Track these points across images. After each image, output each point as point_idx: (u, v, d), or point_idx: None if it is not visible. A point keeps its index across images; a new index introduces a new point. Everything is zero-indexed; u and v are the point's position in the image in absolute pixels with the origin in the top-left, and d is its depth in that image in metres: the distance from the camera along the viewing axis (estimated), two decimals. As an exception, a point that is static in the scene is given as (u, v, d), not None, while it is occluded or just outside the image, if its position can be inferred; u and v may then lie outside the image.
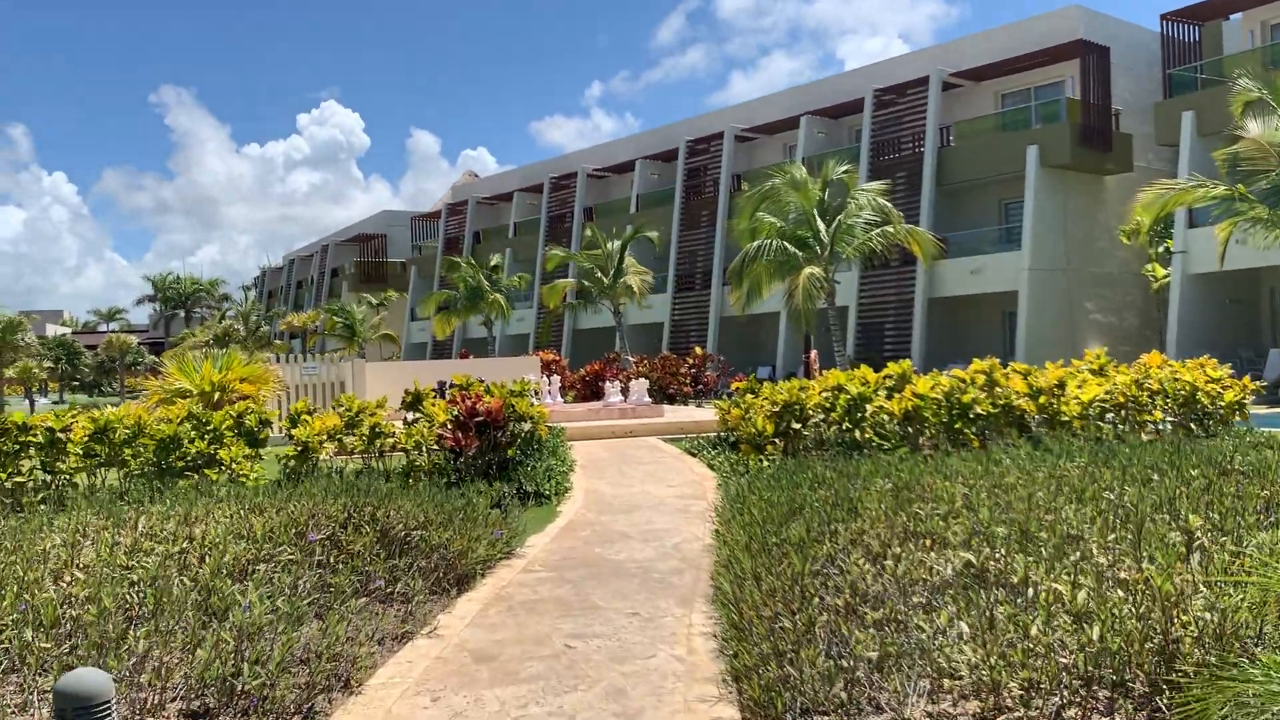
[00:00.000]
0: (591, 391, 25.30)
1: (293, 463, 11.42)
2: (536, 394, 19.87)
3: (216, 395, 14.68)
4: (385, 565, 6.72)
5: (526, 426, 11.30)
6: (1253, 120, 21.43)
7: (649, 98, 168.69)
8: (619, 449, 15.53)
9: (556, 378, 21.50)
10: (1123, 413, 12.84)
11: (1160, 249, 32.22)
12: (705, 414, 19.80)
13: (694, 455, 14.33)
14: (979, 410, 11.82)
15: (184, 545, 6.18)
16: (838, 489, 7.16)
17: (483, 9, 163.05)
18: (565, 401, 24.10)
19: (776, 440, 11.80)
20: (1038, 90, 34.29)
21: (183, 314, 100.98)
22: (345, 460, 12.20)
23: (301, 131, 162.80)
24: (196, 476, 11.09)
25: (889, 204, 27.57)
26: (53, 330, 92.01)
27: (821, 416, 12.02)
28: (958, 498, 6.57)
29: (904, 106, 36.04)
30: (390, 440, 11.71)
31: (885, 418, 11.84)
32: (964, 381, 12.66)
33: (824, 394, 12.34)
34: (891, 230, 27.09)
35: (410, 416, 12.50)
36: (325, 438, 11.71)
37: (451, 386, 13.15)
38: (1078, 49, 31.22)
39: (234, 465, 11.02)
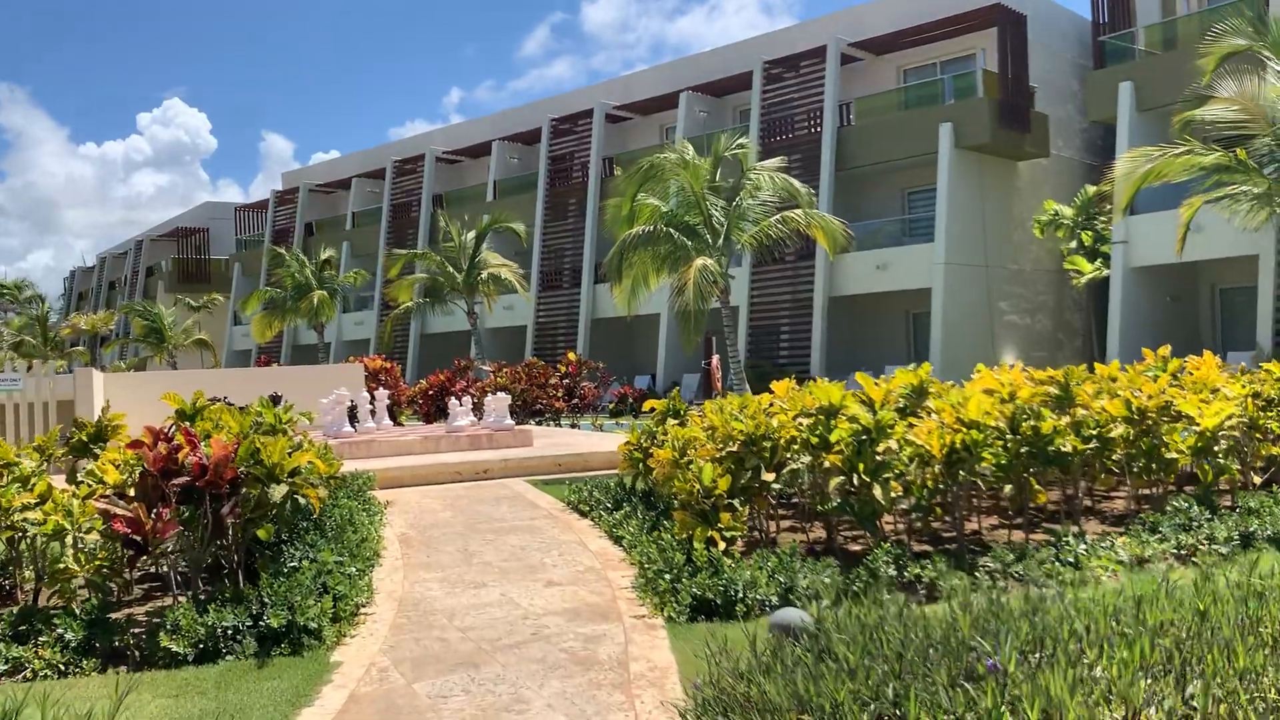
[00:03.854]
0: (437, 409, 19.87)
1: None
2: (353, 416, 14.43)
3: None
4: None
5: (280, 490, 5.96)
6: (1226, 81, 17.99)
7: (513, 106, 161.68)
8: (467, 503, 10.29)
9: (384, 391, 16.00)
10: (1234, 442, 8.43)
11: (1072, 244, 28.98)
12: (590, 440, 14.72)
13: (584, 514, 9.23)
14: (1062, 446, 7.16)
15: None
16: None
17: (339, 13, 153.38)
18: (400, 424, 18.60)
19: (735, 503, 6.84)
20: (945, 64, 30.68)
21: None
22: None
23: (142, 131, 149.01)
24: None
25: (796, 182, 23.24)
26: None
27: (807, 459, 7.11)
28: None
29: (798, 81, 31.86)
30: (24, 516, 6.15)
31: (909, 461, 7.03)
32: (1004, 399, 7.99)
33: (801, 420, 7.46)
34: (796, 215, 22.71)
35: (83, 470, 7.00)
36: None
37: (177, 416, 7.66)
38: (993, 15, 27.61)
39: None
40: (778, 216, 22.61)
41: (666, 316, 31.21)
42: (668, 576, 6.31)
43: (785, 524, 8.70)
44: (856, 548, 7.83)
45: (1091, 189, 27.87)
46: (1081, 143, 31.63)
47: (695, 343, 23.17)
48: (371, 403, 15.06)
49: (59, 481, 7.41)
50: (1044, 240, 29.67)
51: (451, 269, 31.12)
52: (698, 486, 6.75)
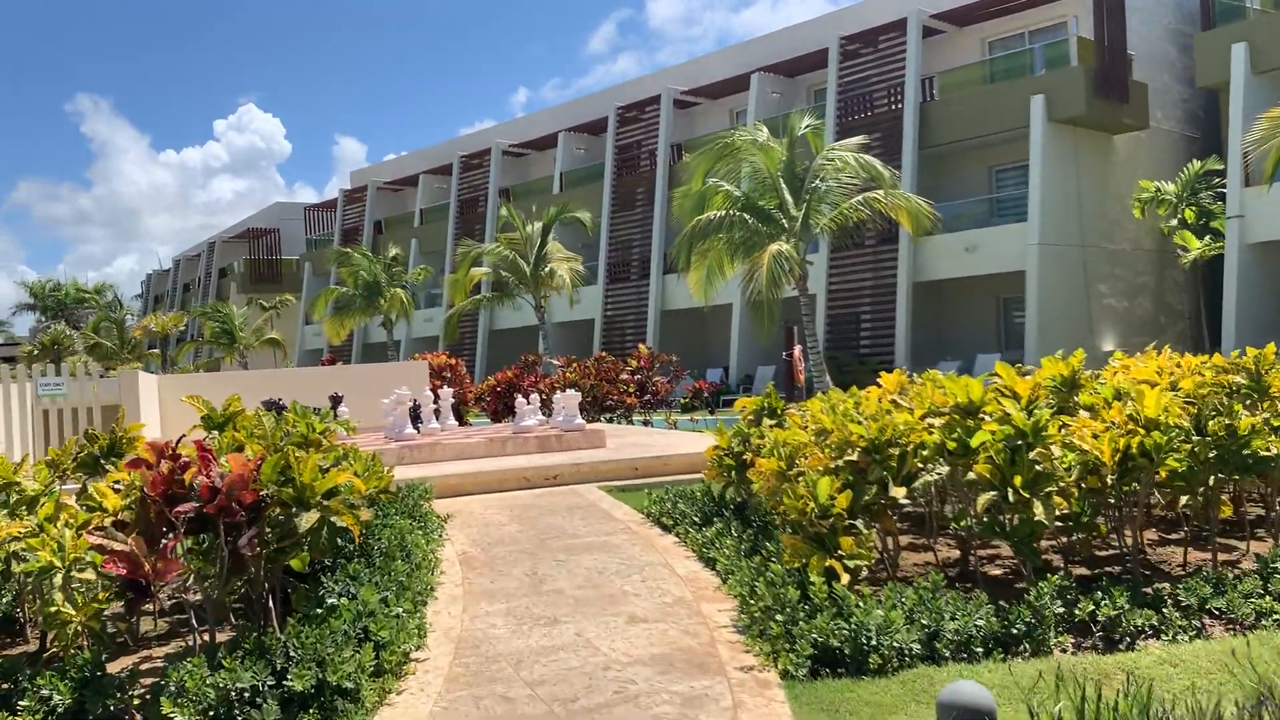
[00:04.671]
0: (505, 406, 18.93)
1: None
2: (417, 416, 13.51)
3: None
4: None
5: (311, 517, 4.94)
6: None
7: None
8: (536, 514, 9.24)
9: (449, 390, 15.06)
10: None
11: (1173, 221, 26.93)
12: (668, 440, 13.58)
13: (667, 529, 8.11)
14: (1261, 450, 5.81)
15: None
16: None
17: (406, 16, 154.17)
18: (467, 423, 17.69)
19: (857, 524, 5.65)
20: (1033, 34, 28.85)
21: (63, 323, 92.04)
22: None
23: (219, 138, 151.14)
24: None
25: (877, 162, 21.76)
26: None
27: (944, 470, 5.88)
28: None
29: (876, 57, 30.27)
30: (20, 546, 5.24)
31: (1072, 466, 5.75)
32: (1157, 388, 6.66)
33: (931, 421, 6.22)
34: (878, 196, 21.24)
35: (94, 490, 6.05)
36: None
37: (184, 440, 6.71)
38: (1089, -22, 25.76)
39: None
40: (859, 198, 21.25)
41: (739, 307, 29.93)
42: (779, 617, 5.14)
43: (904, 540, 7.49)
44: (997, 571, 6.58)
45: (1197, 164, 25.93)
46: (1181, 114, 29.55)
47: (770, 332, 21.96)
48: (435, 402, 14.13)
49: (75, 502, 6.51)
50: (1143, 218, 27.73)
51: (520, 261, 30.24)
52: (811, 505, 5.56)
